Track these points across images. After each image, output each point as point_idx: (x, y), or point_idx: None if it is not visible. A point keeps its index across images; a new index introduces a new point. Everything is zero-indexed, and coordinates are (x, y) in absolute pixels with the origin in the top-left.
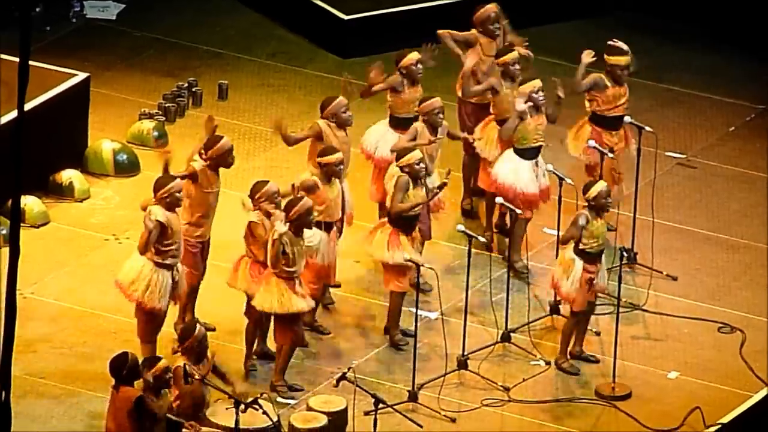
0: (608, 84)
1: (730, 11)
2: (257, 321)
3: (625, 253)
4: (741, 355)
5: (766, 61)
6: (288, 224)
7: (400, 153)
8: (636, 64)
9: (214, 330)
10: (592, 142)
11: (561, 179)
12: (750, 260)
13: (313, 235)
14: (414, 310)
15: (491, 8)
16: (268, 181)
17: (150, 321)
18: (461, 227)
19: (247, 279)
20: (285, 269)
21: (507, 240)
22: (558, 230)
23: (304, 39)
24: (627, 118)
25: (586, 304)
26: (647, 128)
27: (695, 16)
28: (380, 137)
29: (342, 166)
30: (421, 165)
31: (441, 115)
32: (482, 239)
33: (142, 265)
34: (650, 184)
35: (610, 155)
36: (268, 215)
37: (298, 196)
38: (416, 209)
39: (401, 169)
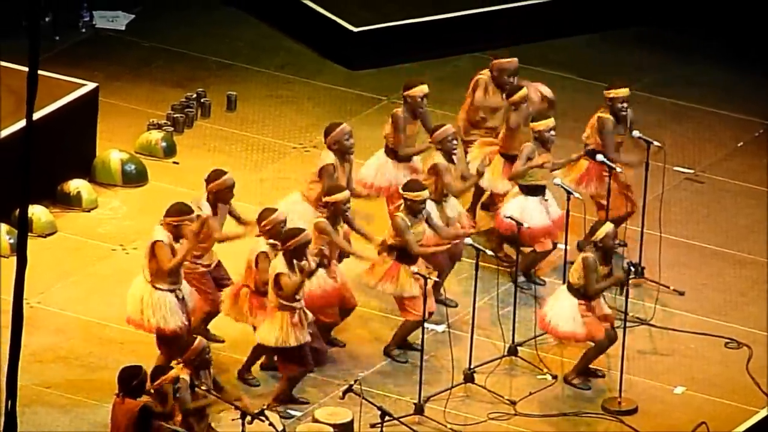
0: (612, 129)
1: (739, 26)
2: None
3: (632, 268)
4: (747, 371)
5: None
6: (282, 253)
7: (410, 185)
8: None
9: (222, 342)
10: (600, 157)
11: (569, 193)
12: (757, 276)
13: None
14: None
15: (514, 62)
16: (276, 209)
17: (173, 344)
18: (469, 240)
19: (247, 311)
20: (289, 305)
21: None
22: (566, 244)
23: (313, 51)
24: (636, 133)
25: (606, 334)
26: (656, 143)
27: (704, 31)
28: (379, 167)
29: (349, 205)
30: (423, 205)
31: (455, 142)
32: (489, 252)
33: (141, 291)
34: (658, 199)
35: (619, 169)
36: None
37: (299, 228)
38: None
39: (405, 200)
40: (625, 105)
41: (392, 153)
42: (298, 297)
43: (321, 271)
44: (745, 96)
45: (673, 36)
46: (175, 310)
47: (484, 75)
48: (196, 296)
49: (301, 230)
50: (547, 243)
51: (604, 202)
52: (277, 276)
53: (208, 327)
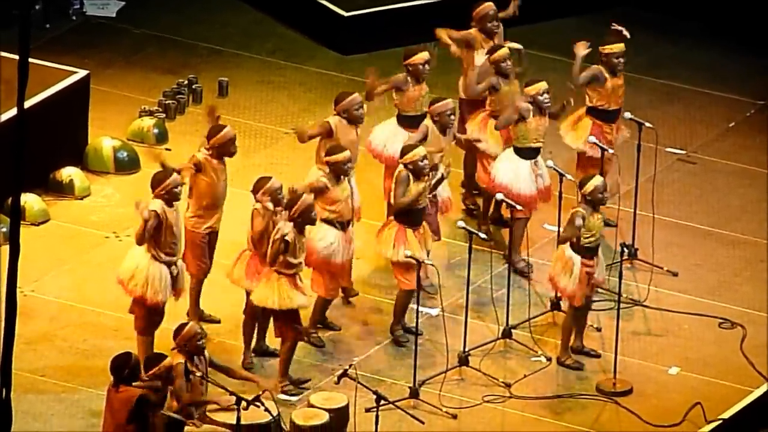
0: (606, 76)
1: (729, 7)
2: (255, 317)
3: (625, 249)
4: (742, 351)
5: (765, 57)
6: (291, 223)
7: (404, 150)
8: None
9: (218, 322)
10: (592, 138)
11: (561, 175)
12: (750, 256)
13: (327, 235)
14: (415, 306)
15: (489, 6)
16: (271, 177)
17: (149, 315)
18: (461, 224)
19: (244, 273)
20: (289, 261)
21: (504, 233)
22: (558, 226)
23: (304, 36)
24: (627, 114)
25: (585, 299)
26: (647, 124)
27: (695, 12)
28: (390, 136)
29: (350, 164)
30: (425, 162)
31: (452, 117)
32: (482, 236)
33: (139, 259)
34: (650, 180)
35: (611, 151)
36: (270, 211)
37: (299, 194)
38: (420, 202)
39: (405, 165)
40: (621, 60)
41: (405, 120)
42: (299, 261)
43: (339, 235)
44: (737, 76)
45: (663, 17)
46: (162, 288)
47: (470, 32)
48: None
49: (299, 196)
50: (525, 211)
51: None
52: (285, 242)
53: (202, 308)
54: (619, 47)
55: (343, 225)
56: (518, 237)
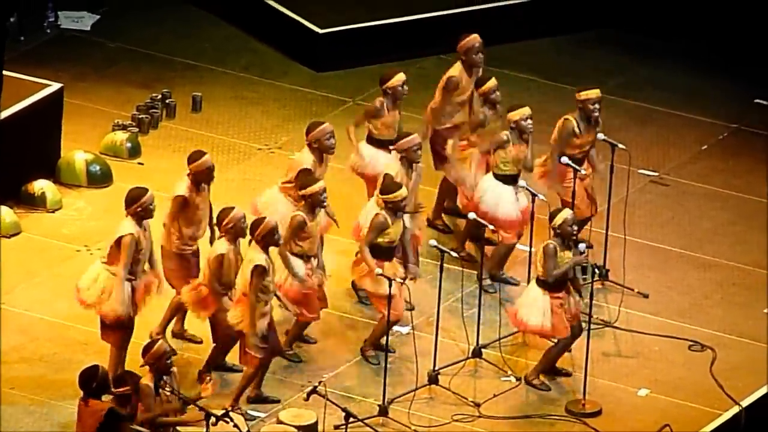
0: (579, 130)
1: (704, 30)
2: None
3: (596, 270)
4: (711, 374)
5: (739, 80)
6: (261, 253)
7: (387, 186)
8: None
9: (201, 342)
10: (564, 159)
11: (534, 195)
12: (721, 278)
13: (297, 266)
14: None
15: (475, 38)
16: (234, 208)
17: (117, 330)
18: (434, 242)
19: (206, 307)
20: (264, 286)
21: (479, 255)
22: (531, 246)
23: (279, 52)
24: (600, 135)
25: (571, 329)
26: (620, 145)
27: (670, 34)
28: (372, 155)
29: (325, 195)
30: (404, 202)
31: (419, 152)
32: (454, 254)
33: (98, 272)
34: (623, 201)
35: (583, 171)
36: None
37: (262, 217)
38: (394, 241)
39: (386, 203)
40: (596, 106)
41: (375, 142)
42: (272, 291)
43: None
44: (710, 99)
45: (638, 38)
46: (126, 301)
47: (456, 70)
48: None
49: (263, 218)
50: (513, 236)
51: (569, 200)
52: (255, 268)
53: (186, 327)
54: (594, 93)
55: (309, 258)
56: (499, 256)
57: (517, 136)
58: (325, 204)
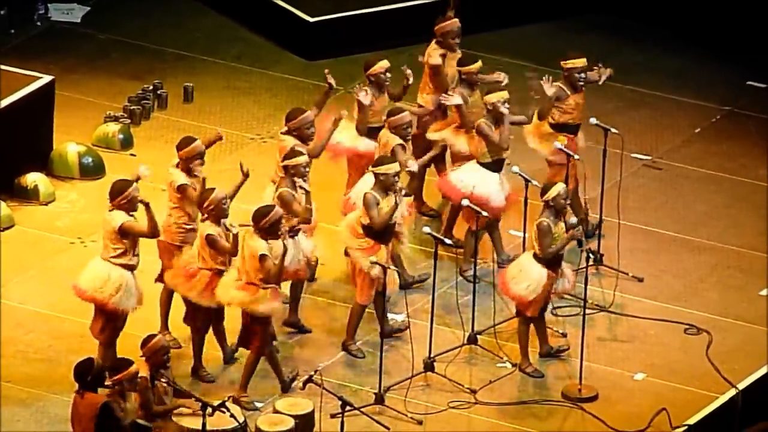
0: (568, 93)
1: (696, 13)
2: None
3: (591, 255)
4: (707, 357)
5: (731, 63)
6: (257, 232)
7: (380, 160)
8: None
9: (180, 347)
10: (558, 144)
11: (527, 181)
12: (716, 261)
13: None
14: (376, 313)
15: (455, 23)
16: (214, 189)
17: (113, 322)
18: (427, 229)
19: (201, 291)
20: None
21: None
22: (524, 232)
23: (270, 41)
24: (593, 120)
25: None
26: (613, 130)
27: (661, 19)
28: (354, 137)
29: (308, 168)
30: (397, 178)
31: (409, 129)
32: (448, 242)
33: (108, 269)
34: (616, 186)
35: (577, 157)
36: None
37: (269, 205)
38: (393, 218)
39: (377, 175)
40: (582, 75)
41: (365, 132)
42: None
43: (290, 243)
44: (703, 82)
45: (630, 23)
46: (132, 292)
47: (436, 55)
48: None
49: (272, 207)
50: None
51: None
52: (261, 257)
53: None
54: (581, 62)
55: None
56: (497, 239)
57: (492, 119)
58: (306, 177)
